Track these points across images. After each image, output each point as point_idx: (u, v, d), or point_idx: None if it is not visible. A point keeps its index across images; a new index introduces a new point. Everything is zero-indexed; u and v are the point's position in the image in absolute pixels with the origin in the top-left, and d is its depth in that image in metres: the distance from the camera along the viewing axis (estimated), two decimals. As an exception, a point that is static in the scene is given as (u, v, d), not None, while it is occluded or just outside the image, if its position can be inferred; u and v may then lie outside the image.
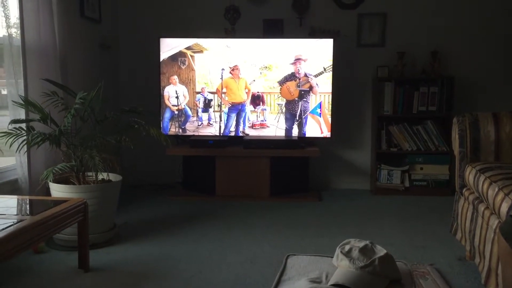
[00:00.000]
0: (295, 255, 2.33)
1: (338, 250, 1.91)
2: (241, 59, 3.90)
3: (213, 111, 3.99)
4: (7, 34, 2.74)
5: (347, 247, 1.89)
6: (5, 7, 2.73)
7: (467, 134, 2.45)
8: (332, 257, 2.00)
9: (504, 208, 1.81)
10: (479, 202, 2.20)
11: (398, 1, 4.10)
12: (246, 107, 3.97)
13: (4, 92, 2.91)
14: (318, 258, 2.21)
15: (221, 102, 3.96)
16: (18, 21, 2.87)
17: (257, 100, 3.94)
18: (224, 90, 3.95)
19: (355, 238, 2.13)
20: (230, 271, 2.38)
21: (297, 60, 3.86)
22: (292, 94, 3.88)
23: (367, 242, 1.94)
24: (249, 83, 3.94)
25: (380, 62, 4.07)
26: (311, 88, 3.88)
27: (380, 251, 1.90)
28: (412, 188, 4.01)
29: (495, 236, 1.95)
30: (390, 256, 1.91)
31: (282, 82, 3.90)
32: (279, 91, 3.92)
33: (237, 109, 3.97)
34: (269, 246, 2.74)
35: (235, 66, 3.92)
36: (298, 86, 3.88)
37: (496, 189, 1.93)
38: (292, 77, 3.89)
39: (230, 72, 3.93)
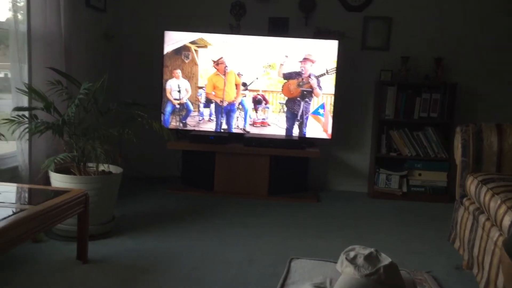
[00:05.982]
0: (298, 258, 2.32)
1: (342, 256, 1.91)
2: (244, 56, 3.88)
3: (215, 107, 3.97)
4: (13, 19, 2.71)
5: (351, 254, 1.89)
6: (12, -8, 2.70)
7: (470, 144, 2.46)
8: (336, 262, 2.00)
9: (507, 221, 1.82)
10: (479, 213, 2.22)
11: (404, 6, 4.10)
12: (235, 106, 3.89)
13: (3, 75, 2.88)
14: (321, 263, 2.20)
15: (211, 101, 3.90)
16: (25, 7, 2.84)
17: (257, 104, 3.91)
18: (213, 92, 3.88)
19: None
20: (227, 269, 2.39)
21: (305, 59, 3.85)
22: (291, 92, 3.87)
23: (372, 249, 1.93)
24: (242, 78, 3.82)
25: (383, 66, 4.07)
26: (312, 89, 3.87)
27: (385, 259, 1.89)
28: (409, 194, 4.02)
29: (495, 248, 1.96)
30: (395, 265, 1.90)
31: (287, 77, 3.89)
32: (281, 87, 3.90)
33: (226, 109, 3.88)
34: (267, 246, 2.75)
35: (220, 59, 3.72)
36: (299, 85, 3.87)
37: (499, 202, 1.94)
38: (297, 75, 3.89)
39: (214, 67, 3.76)
